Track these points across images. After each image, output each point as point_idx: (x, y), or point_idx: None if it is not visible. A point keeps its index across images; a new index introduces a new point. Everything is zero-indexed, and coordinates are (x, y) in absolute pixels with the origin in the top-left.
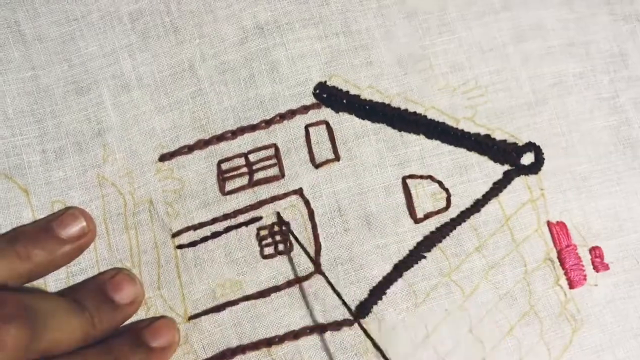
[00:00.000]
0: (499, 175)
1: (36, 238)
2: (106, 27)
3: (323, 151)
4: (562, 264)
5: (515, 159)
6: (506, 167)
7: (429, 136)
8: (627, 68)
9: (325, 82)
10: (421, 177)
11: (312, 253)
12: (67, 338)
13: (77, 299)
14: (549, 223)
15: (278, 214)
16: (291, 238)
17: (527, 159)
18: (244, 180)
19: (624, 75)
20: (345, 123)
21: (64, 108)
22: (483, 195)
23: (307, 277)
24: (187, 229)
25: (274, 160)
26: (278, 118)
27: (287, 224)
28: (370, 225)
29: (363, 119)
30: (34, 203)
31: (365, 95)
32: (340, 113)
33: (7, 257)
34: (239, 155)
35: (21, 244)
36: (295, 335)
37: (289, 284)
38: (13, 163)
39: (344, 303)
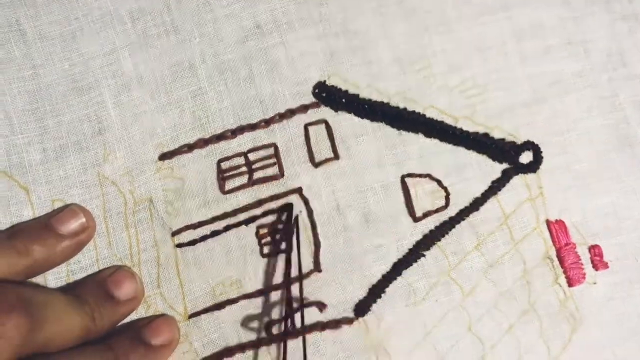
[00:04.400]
0: (498, 174)
1: (35, 234)
2: (107, 26)
3: (322, 150)
4: (561, 262)
5: (513, 157)
6: (505, 166)
7: (428, 135)
8: (626, 66)
9: (325, 81)
10: (420, 175)
11: (311, 252)
12: (67, 332)
13: (77, 295)
14: (548, 221)
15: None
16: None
17: (526, 157)
18: (244, 179)
19: (623, 73)
20: (345, 122)
21: (64, 107)
22: (482, 194)
23: (306, 276)
24: (187, 227)
25: (273, 160)
26: (277, 117)
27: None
28: (369, 224)
29: (362, 118)
30: (35, 201)
31: (364, 94)
32: (340, 112)
33: (6, 252)
34: (239, 155)
35: (20, 239)
36: (294, 333)
37: (288, 282)
38: (14, 161)
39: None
